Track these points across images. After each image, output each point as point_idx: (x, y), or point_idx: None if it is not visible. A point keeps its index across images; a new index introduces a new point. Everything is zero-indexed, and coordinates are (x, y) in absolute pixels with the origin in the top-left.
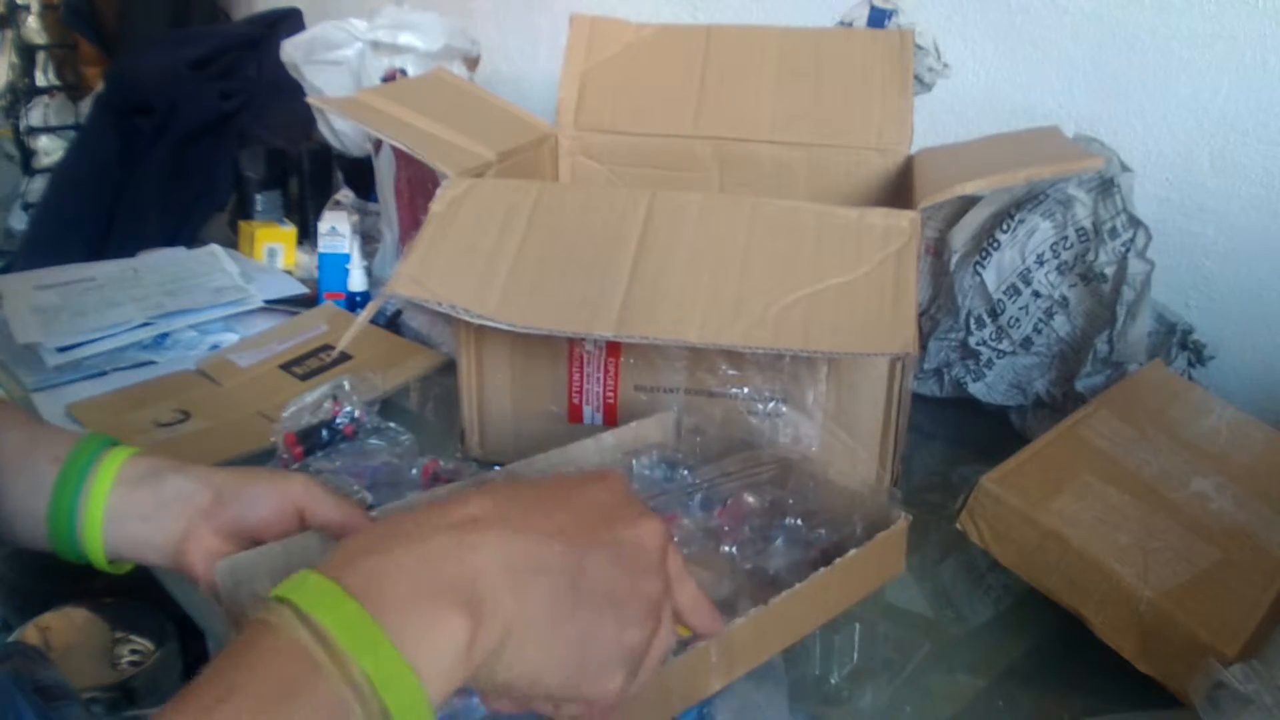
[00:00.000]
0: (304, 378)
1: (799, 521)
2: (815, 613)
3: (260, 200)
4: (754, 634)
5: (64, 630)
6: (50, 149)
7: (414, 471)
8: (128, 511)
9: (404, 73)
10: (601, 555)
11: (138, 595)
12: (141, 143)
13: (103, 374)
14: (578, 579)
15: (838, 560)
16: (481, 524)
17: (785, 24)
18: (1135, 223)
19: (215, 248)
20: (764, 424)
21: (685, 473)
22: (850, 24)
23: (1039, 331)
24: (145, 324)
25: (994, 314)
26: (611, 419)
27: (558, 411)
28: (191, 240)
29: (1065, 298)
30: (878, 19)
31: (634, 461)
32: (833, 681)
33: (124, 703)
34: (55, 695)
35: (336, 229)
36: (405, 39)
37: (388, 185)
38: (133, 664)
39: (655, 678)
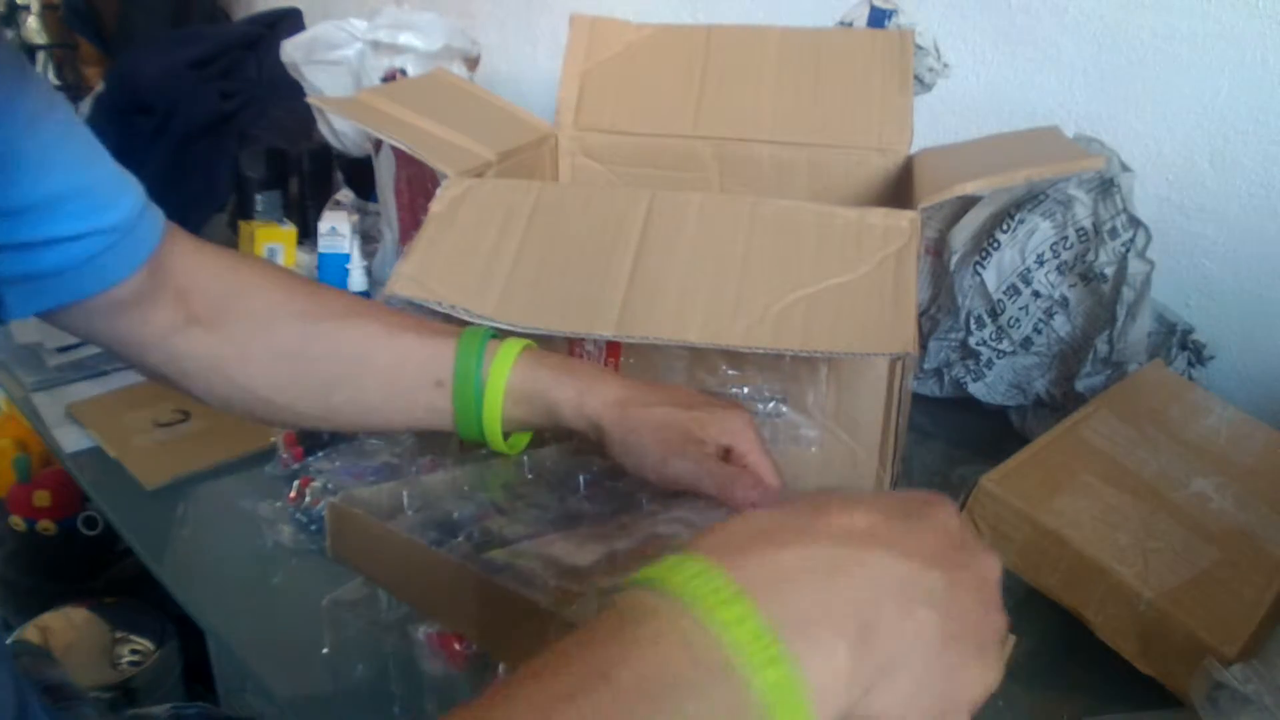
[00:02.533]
0: None
1: None
2: None
3: (260, 200)
4: None
5: (64, 630)
6: None
7: (414, 471)
8: (521, 421)
9: (404, 73)
10: (965, 588)
11: (138, 595)
12: (141, 143)
13: (103, 374)
14: (950, 611)
15: None
16: (868, 540)
17: (785, 24)
18: (1135, 223)
19: None
20: (764, 424)
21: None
22: (850, 24)
23: (1039, 331)
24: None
25: (994, 314)
26: None
27: None
28: None
29: (1065, 298)
30: (878, 19)
31: None
32: None
33: (124, 703)
34: (65, 695)
35: (336, 229)
36: (405, 39)
37: (388, 185)
38: (133, 664)
39: None
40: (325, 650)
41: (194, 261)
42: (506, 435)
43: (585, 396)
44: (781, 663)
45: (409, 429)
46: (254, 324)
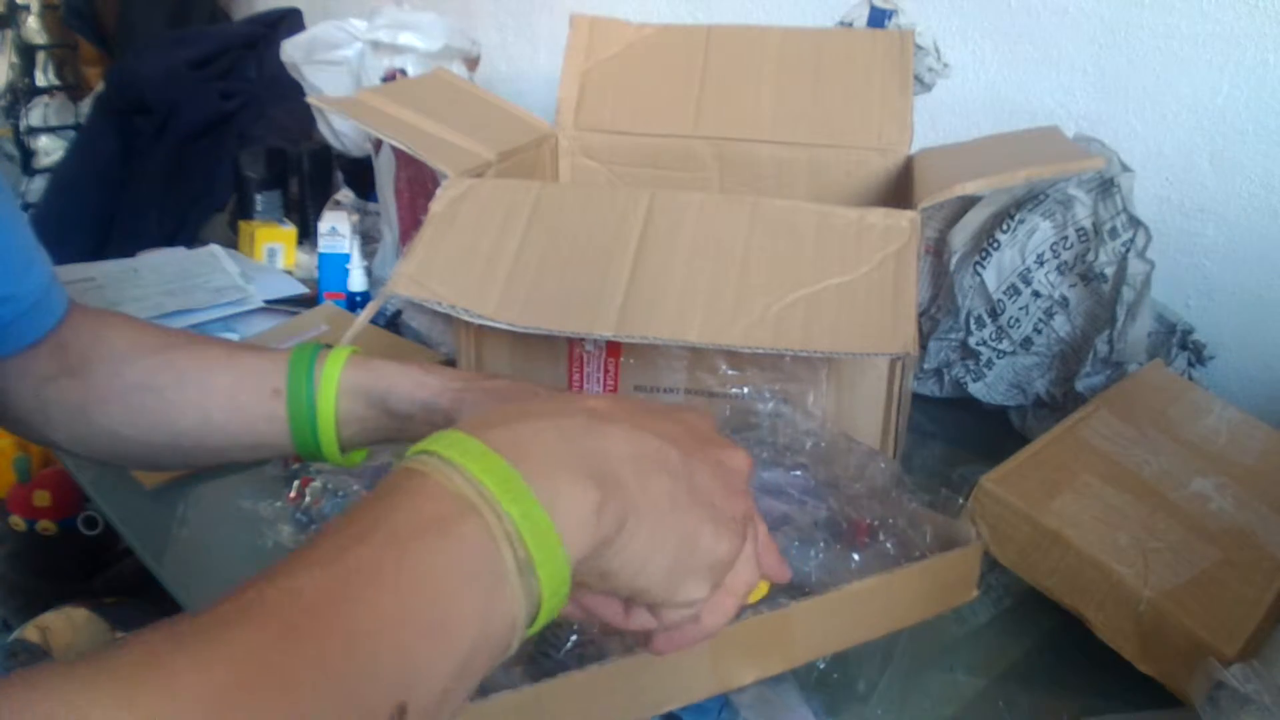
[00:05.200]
0: None
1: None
2: (871, 621)
3: (260, 200)
4: (794, 629)
5: (64, 630)
6: (50, 149)
7: None
8: (356, 424)
9: (404, 73)
10: (705, 468)
11: (138, 595)
12: (141, 143)
13: None
14: (688, 482)
15: (907, 567)
16: (608, 416)
17: (785, 24)
18: (1135, 223)
19: (215, 248)
20: (764, 424)
21: None
22: (850, 24)
23: (1039, 331)
24: (147, 321)
25: (994, 314)
26: None
27: None
28: (191, 240)
29: (1065, 298)
30: (878, 19)
31: None
32: (834, 679)
33: None
34: None
35: (336, 229)
36: (405, 39)
37: (388, 185)
38: None
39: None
40: None
41: (73, 318)
42: (344, 448)
43: (424, 378)
44: (528, 499)
45: (253, 449)
46: (112, 365)
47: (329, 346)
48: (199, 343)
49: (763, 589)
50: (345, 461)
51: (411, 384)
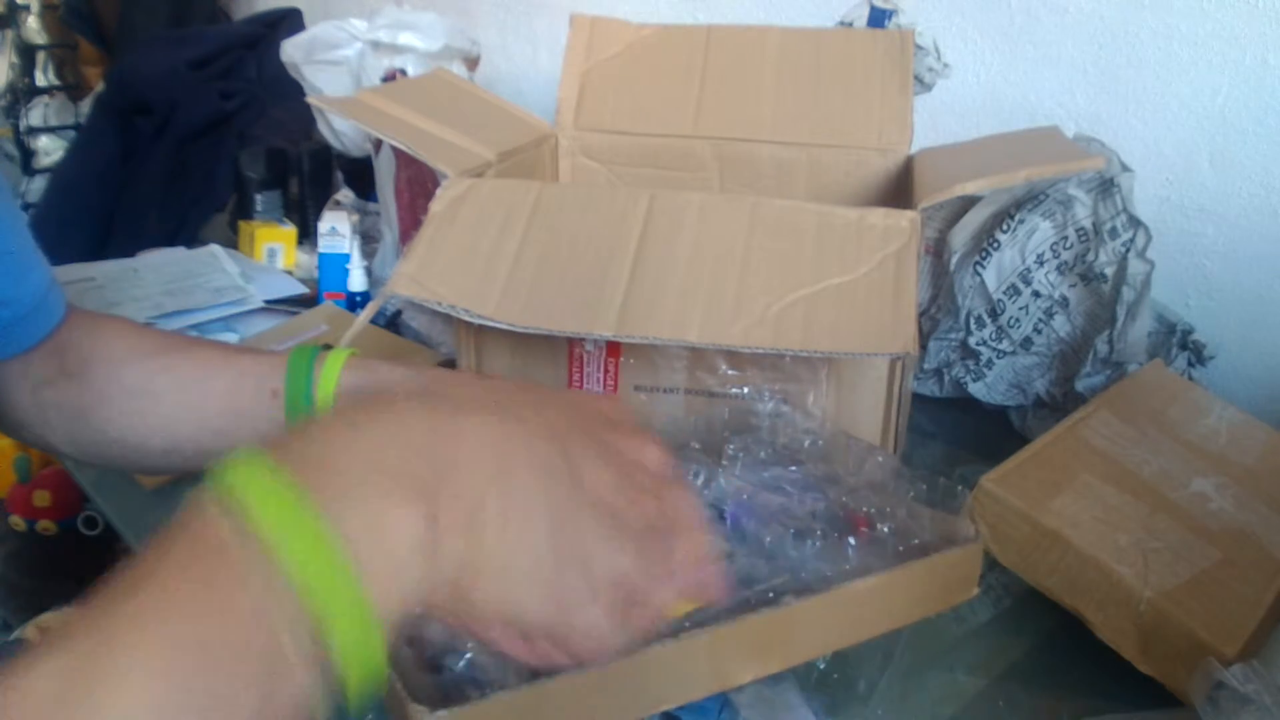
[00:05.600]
0: None
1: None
2: (871, 620)
3: (260, 200)
4: (790, 629)
5: None
6: (50, 149)
7: None
8: None
9: (404, 73)
10: (595, 462)
11: None
12: (141, 143)
13: None
14: (571, 484)
15: (907, 565)
16: (465, 408)
17: (785, 24)
18: (1135, 223)
19: (215, 248)
20: (764, 424)
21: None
22: (850, 24)
23: (1039, 331)
24: (145, 324)
25: (994, 314)
26: None
27: None
28: (191, 240)
29: (1065, 298)
30: (878, 19)
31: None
32: (834, 679)
33: None
34: None
35: (336, 229)
36: (405, 39)
37: (388, 185)
38: None
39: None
40: None
41: (72, 321)
42: None
43: (420, 371)
44: (310, 534)
45: None
46: (110, 367)
47: (329, 348)
48: (196, 346)
49: (685, 604)
50: None
51: (407, 375)
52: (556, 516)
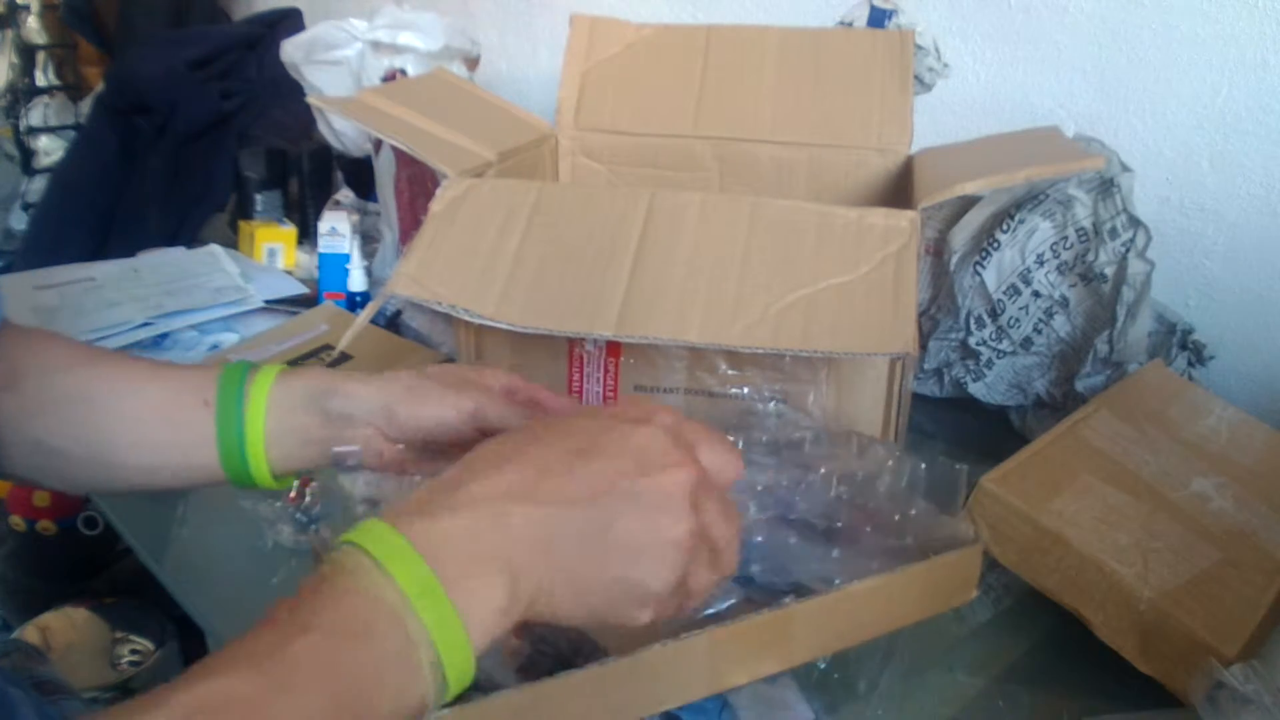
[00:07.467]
0: None
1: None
2: (871, 621)
3: (260, 200)
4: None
5: (64, 630)
6: (50, 149)
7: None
8: (289, 437)
9: (404, 73)
10: (624, 509)
11: (138, 595)
12: (141, 143)
13: None
14: (602, 536)
15: (907, 567)
16: (511, 498)
17: (785, 24)
18: (1135, 223)
19: (215, 248)
20: (764, 424)
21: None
22: (850, 24)
23: (1039, 331)
24: (145, 324)
25: (994, 314)
26: None
27: None
28: (191, 240)
29: (1065, 298)
30: (878, 19)
31: None
32: (834, 679)
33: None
34: (53, 690)
35: (336, 229)
36: (405, 39)
37: (388, 185)
38: (133, 664)
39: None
40: None
41: (5, 334)
42: (274, 469)
43: (367, 377)
44: (442, 603)
45: (184, 469)
46: (45, 377)
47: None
48: (127, 358)
49: None
50: (275, 485)
51: (354, 381)
52: (594, 564)
